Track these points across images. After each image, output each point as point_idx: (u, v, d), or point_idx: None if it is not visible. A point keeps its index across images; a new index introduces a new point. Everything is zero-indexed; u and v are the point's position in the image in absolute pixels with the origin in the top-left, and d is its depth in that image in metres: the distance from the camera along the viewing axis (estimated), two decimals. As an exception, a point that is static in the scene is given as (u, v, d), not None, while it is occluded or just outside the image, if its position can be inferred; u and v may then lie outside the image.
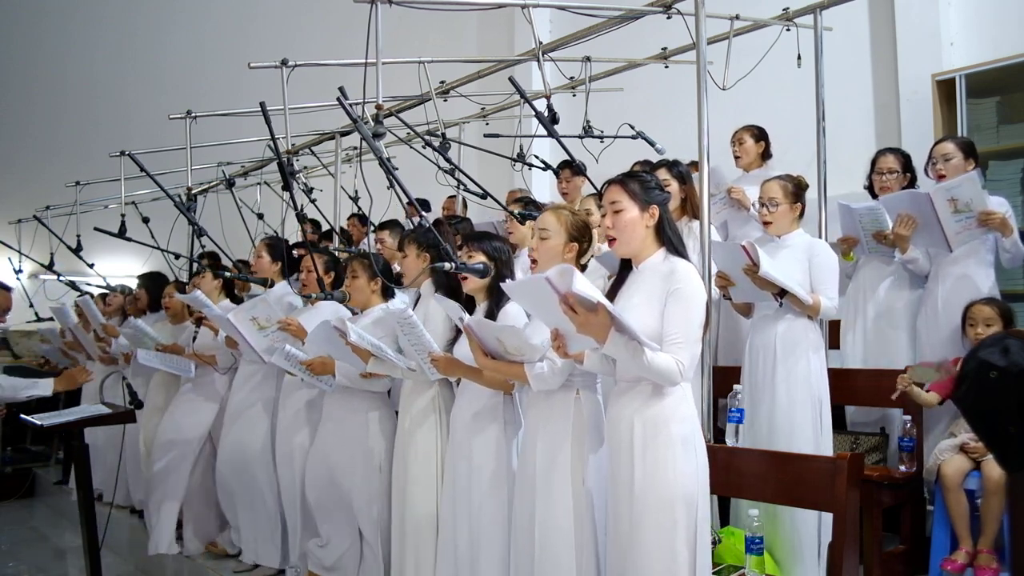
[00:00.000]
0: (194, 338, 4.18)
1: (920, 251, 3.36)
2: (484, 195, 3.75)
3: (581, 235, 2.53)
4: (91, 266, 5.40)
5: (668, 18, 3.39)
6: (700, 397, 2.70)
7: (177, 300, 4.69)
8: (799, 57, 3.86)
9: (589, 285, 1.91)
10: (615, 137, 3.89)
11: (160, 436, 4.16)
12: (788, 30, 3.83)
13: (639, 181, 2.19)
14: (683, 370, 2.01)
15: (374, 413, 3.22)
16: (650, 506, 2.02)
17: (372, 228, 4.26)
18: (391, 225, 4.22)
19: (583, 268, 2.57)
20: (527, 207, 3.65)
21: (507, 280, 2.64)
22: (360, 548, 3.25)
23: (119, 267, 7.72)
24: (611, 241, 2.21)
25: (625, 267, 2.26)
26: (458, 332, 2.67)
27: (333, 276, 3.62)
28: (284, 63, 3.89)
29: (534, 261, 2.55)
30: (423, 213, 2.70)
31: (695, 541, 2.02)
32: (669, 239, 2.19)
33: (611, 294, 2.24)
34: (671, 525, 2.00)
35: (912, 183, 3.53)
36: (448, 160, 3.51)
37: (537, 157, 4.36)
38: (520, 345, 2.30)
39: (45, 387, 3.59)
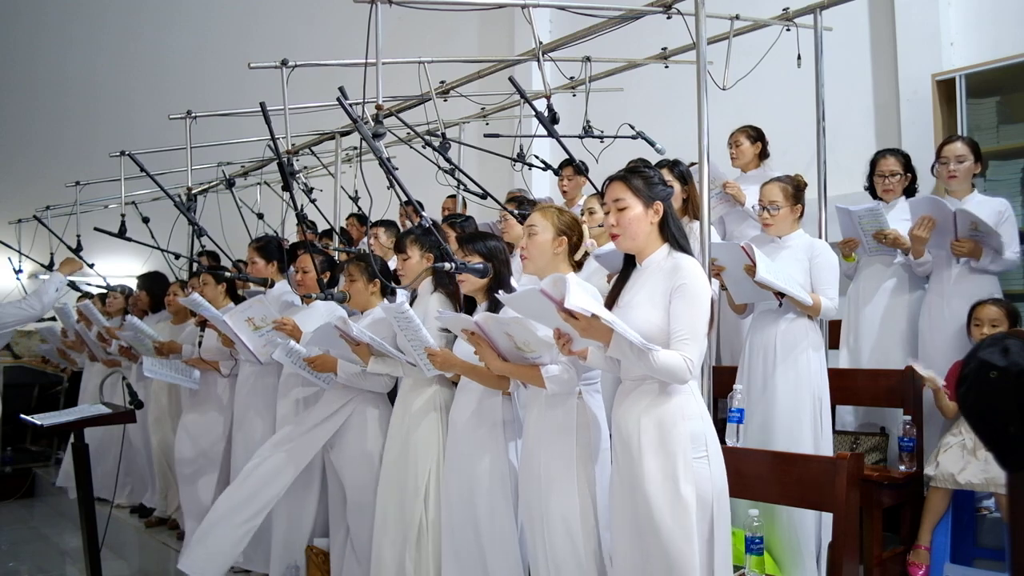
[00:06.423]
0: (199, 342, 4.17)
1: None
2: (484, 195, 3.75)
3: (570, 229, 2.49)
4: (91, 266, 5.39)
5: (668, 18, 3.39)
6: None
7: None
8: (799, 57, 3.87)
9: (582, 296, 1.89)
10: (615, 137, 3.89)
11: (180, 454, 4.13)
12: (788, 30, 3.83)
13: (642, 177, 2.16)
14: (691, 367, 1.97)
15: (373, 412, 3.21)
16: (663, 506, 1.96)
17: (369, 226, 4.26)
18: (387, 224, 4.21)
19: (579, 265, 2.55)
20: (522, 206, 3.65)
21: (506, 278, 2.64)
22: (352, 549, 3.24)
23: (119, 267, 7.74)
24: (614, 238, 2.18)
25: (629, 264, 2.23)
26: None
27: (328, 276, 3.61)
28: (284, 63, 3.89)
29: (524, 258, 2.52)
30: (423, 213, 2.70)
31: (710, 540, 1.97)
32: (673, 235, 2.16)
33: (615, 292, 2.22)
34: (686, 524, 1.94)
35: (912, 183, 3.53)
36: (448, 160, 3.51)
37: (537, 157, 4.37)
38: (529, 339, 2.29)
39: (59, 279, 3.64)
